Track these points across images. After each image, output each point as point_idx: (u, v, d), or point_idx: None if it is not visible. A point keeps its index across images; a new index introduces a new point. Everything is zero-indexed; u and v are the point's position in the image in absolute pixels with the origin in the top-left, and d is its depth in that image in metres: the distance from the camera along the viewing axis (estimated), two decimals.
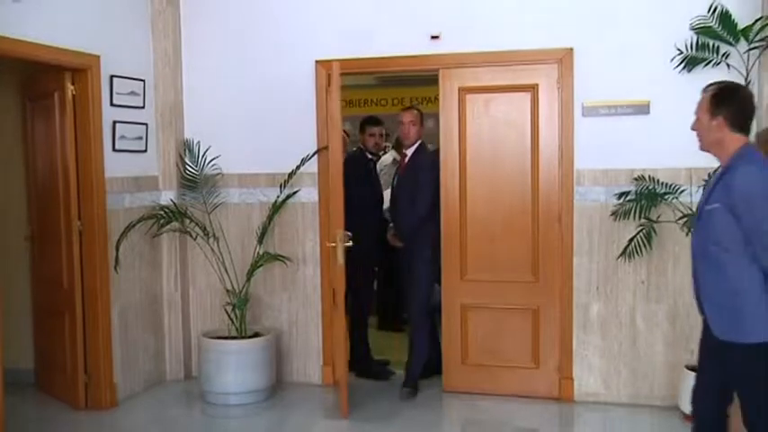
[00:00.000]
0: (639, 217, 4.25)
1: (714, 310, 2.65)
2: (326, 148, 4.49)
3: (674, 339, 4.37)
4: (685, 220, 4.11)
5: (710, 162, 3.98)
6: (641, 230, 4.23)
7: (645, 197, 4.24)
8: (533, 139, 4.55)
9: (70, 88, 4.37)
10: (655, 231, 4.24)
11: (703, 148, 2.74)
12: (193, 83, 5.05)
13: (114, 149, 4.51)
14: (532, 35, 4.47)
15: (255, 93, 4.87)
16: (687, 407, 3.99)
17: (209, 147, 4.84)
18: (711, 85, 2.71)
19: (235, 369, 4.52)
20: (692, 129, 2.72)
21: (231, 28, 4.97)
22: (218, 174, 4.85)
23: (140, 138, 4.71)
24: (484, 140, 4.65)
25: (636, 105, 4.33)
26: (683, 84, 4.15)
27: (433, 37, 4.55)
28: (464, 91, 4.62)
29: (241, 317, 4.60)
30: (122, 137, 4.56)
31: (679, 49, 4.17)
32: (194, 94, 5.07)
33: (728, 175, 2.58)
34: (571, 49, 4.39)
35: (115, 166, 4.49)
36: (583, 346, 4.42)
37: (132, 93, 4.65)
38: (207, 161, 4.81)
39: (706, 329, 2.74)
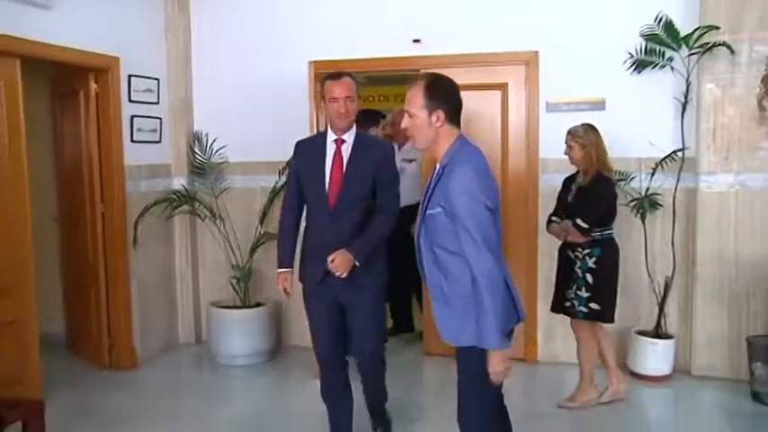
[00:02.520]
0: None
1: (441, 312, 2.54)
2: None
3: (624, 308, 4.63)
4: (635, 203, 4.54)
5: (657, 153, 4.55)
6: None
7: None
8: (503, 131, 4.93)
9: (93, 86, 4.74)
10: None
11: (420, 146, 2.54)
12: (202, 81, 5.43)
13: (132, 140, 4.90)
14: (503, 40, 4.81)
15: (257, 89, 5.22)
16: (635, 366, 4.59)
17: (216, 138, 5.21)
18: (417, 78, 2.50)
19: (239, 334, 4.94)
20: (404, 127, 2.51)
21: (235, 32, 5.33)
22: (223, 162, 5.23)
23: (155, 130, 5.13)
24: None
25: (593, 102, 4.71)
26: (634, 84, 4.61)
27: (415, 41, 4.91)
28: None
29: (245, 288, 5.02)
30: (139, 129, 4.97)
31: (630, 54, 4.56)
32: (202, 91, 5.43)
33: (445, 177, 2.40)
34: (536, 53, 4.77)
35: (133, 155, 4.89)
36: (546, 314, 4.64)
37: (148, 90, 5.04)
38: (214, 151, 5.20)
39: None
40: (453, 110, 2.44)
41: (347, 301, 3.24)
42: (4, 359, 4.01)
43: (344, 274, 3.06)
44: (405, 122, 2.48)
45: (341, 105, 3.19)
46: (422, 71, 4.91)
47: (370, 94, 8.88)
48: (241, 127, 5.29)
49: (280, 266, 3.36)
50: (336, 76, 3.26)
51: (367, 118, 5.45)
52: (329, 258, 3.05)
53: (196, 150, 5.29)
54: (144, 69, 5.01)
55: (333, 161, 3.25)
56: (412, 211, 4.42)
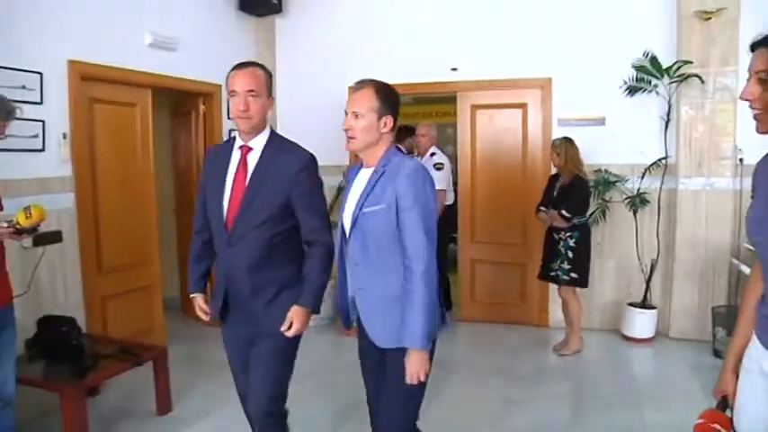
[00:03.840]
0: (597, 198, 5.52)
1: (373, 314, 2.41)
2: None
3: (618, 284, 5.79)
4: (629, 200, 5.50)
5: (645, 160, 5.49)
6: (599, 208, 5.57)
7: (602, 184, 5.52)
8: (524, 141, 5.95)
9: (202, 108, 5.95)
10: (608, 208, 5.60)
11: (356, 147, 2.37)
12: (283, 102, 6.55)
13: None
14: (523, 68, 5.82)
15: (326, 105, 6.14)
16: (626, 330, 5.57)
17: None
18: (365, 82, 2.38)
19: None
20: (346, 127, 2.35)
21: (306, 62, 6.44)
22: None
23: None
24: (488, 142, 6.07)
25: (595, 119, 5.67)
26: (628, 105, 5.56)
27: (453, 69, 5.96)
28: (475, 107, 6.06)
29: None
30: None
31: (624, 81, 5.49)
32: (284, 110, 6.57)
33: (390, 175, 2.29)
34: (550, 79, 5.78)
35: None
36: (555, 289, 5.48)
37: None
38: None
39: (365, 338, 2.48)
40: (395, 119, 2.38)
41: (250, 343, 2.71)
42: (138, 315, 5.16)
43: (300, 329, 2.55)
44: (349, 122, 2.33)
45: (240, 101, 2.47)
46: (458, 93, 6.10)
47: (416, 111, 9.93)
48: (313, 137, 6.12)
49: (190, 292, 2.89)
50: (241, 65, 2.55)
51: (400, 132, 5.92)
52: (283, 327, 2.50)
53: None
54: None
55: (236, 173, 2.57)
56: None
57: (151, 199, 5.34)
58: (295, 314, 2.53)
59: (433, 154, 5.95)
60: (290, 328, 2.52)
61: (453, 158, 6.44)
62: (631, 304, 5.63)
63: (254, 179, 2.55)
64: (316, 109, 6.40)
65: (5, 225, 2.85)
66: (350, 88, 2.53)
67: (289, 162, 2.57)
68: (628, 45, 5.52)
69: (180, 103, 6.29)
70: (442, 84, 6.12)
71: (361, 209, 2.37)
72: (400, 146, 4.69)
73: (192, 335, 5.91)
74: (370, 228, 2.35)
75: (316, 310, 2.62)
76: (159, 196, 5.60)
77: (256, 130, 2.60)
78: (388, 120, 2.37)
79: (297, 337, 2.61)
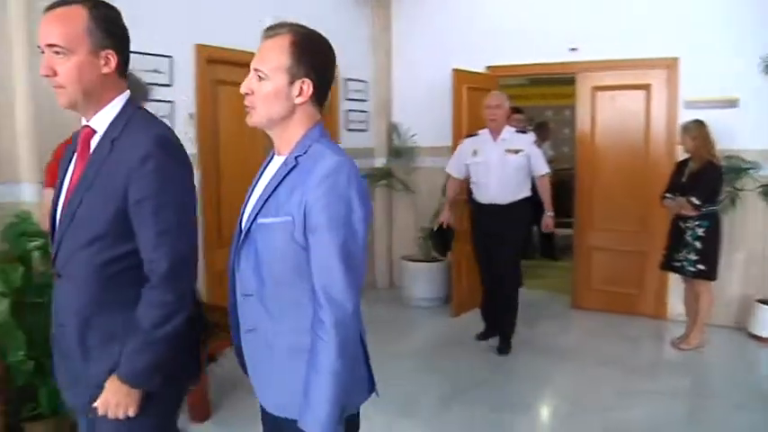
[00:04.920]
0: (727, 186, 5.13)
1: (259, 365, 1.76)
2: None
3: (746, 279, 5.43)
4: (762, 188, 5.17)
5: None
6: (728, 196, 5.21)
7: (732, 171, 5.18)
8: (646, 125, 5.71)
9: None
10: (738, 197, 5.25)
11: (257, 121, 1.66)
12: (400, 83, 6.64)
13: (346, 129, 6.25)
14: (648, 47, 5.54)
15: (441, 89, 6.04)
16: (756, 330, 5.22)
17: (409, 127, 6.44)
18: (279, 26, 1.66)
19: (423, 282, 6.16)
20: (245, 91, 1.65)
21: (425, 43, 6.43)
22: (415, 146, 6.40)
23: (363, 121, 6.47)
24: (609, 126, 5.87)
25: (727, 101, 5.31)
26: (765, 84, 5.17)
27: (572, 49, 5.77)
28: (595, 89, 5.86)
29: (428, 246, 6.12)
30: (351, 121, 6.32)
31: (761, 58, 5.12)
32: (400, 91, 6.64)
33: (302, 172, 1.60)
34: (677, 58, 5.47)
35: (346, 140, 6.14)
36: (675, 279, 5.34)
37: (358, 91, 6.37)
38: (408, 137, 6.45)
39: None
40: (323, 84, 1.68)
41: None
42: None
43: (123, 414, 1.72)
44: (246, 85, 1.65)
45: (42, 62, 1.67)
46: (578, 74, 5.90)
47: (532, 93, 9.72)
48: (428, 118, 6.32)
49: None
50: (53, 4, 1.68)
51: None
52: (96, 403, 1.72)
53: (393, 137, 6.57)
54: (356, 74, 6.31)
55: (73, 168, 1.80)
56: (518, 207, 4.80)
57: None
58: (110, 390, 1.71)
59: (522, 131, 5.17)
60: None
61: (571, 142, 6.24)
62: (761, 301, 5.28)
63: (84, 177, 1.72)
64: (428, 90, 6.40)
65: None
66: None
67: (130, 148, 1.67)
68: (765, 16, 5.15)
69: None
70: (560, 64, 5.95)
71: (256, 217, 1.66)
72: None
73: None
74: (266, 247, 1.64)
75: (145, 384, 1.71)
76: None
77: (89, 106, 1.73)
78: (306, 84, 1.62)
79: (157, 419, 1.79)
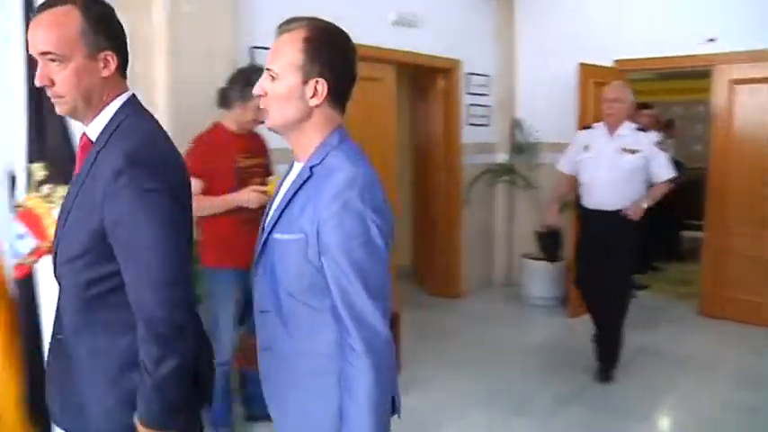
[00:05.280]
0: None
1: (285, 396, 1.62)
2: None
3: None
4: None
5: None
6: None
7: None
8: None
9: (441, 83, 6.08)
10: None
11: (272, 125, 1.56)
12: (524, 76, 6.50)
13: (468, 124, 6.20)
14: None
15: (567, 84, 5.83)
16: None
17: (532, 122, 6.32)
18: (295, 21, 1.56)
19: (541, 281, 6.04)
20: (257, 93, 1.54)
21: (551, 35, 6.25)
22: (537, 143, 6.26)
23: (484, 116, 6.39)
24: (748, 122, 5.46)
25: None
26: None
27: (710, 39, 5.40)
28: (734, 82, 5.45)
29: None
30: (472, 115, 6.26)
31: None
32: (525, 85, 6.51)
33: (316, 186, 1.49)
34: None
35: (468, 135, 6.17)
36: None
37: (480, 85, 6.29)
38: (530, 133, 6.33)
39: None
40: (342, 84, 1.55)
41: None
42: None
43: None
44: (259, 85, 1.54)
45: (38, 70, 1.53)
46: (714, 66, 5.52)
47: (661, 88, 9.20)
48: (552, 113, 6.15)
49: None
50: (40, 7, 1.54)
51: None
52: None
53: (516, 133, 6.46)
54: (478, 69, 6.25)
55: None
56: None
57: (393, 172, 5.56)
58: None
59: (642, 129, 4.40)
60: None
61: (703, 139, 5.89)
62: None
63: (71, 191, 1.62)
64: (552, 85, 6.25)
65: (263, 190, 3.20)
66: None
67: (106, 161, 1.50)
68: None
69: (419, 78, 6.49)
70: (694, 57, 5.59)
71: (272, 230, 1.56)
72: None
73: (423, 304, 6.16)
74: (281, 263, 1.53)
75: (170, 425, 1.53)
76: (398, 168, 5.82)
77: (88, 112, 1.60)
78: (321, 84, 1.50)
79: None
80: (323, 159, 1.51)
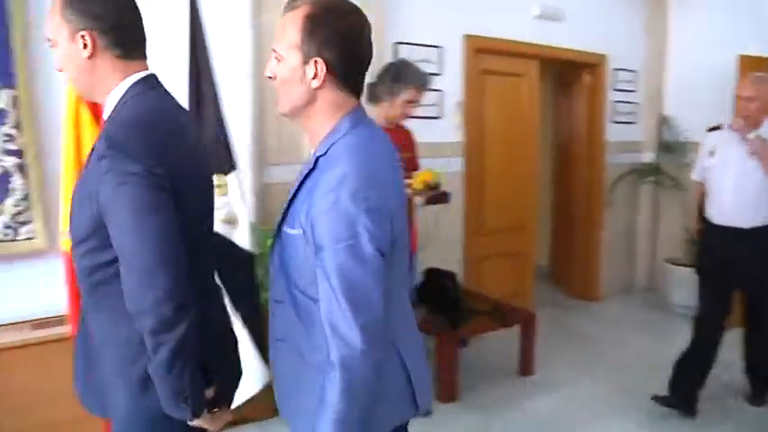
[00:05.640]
0: None
1: (289, 388, 1.57)
2: None
3: None
4: None
5: None
6: None
7: None
8: None
9: (586, 79, 5.93)
10: None
11: (284, 111, 1.48)
12: (676, 71, 6.16)
13: (613, 122, 5.99)
14: None
15: (722, 78, 5.53)
16: None
17: (681, 121, 5.98)
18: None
19: (687, 288, 5.51)
20: (268, 75, 1.47)
21: (704, 27, 5.87)
22: (686, 141, 5.90)
23: (631, 113, 6.14)
24: None
25: None
26: None
27: None
28: None
29: (696, 251, 5.72)
30: (618, 112, 6.04)
31: None
32: (675, 80, 6.17)
33: (316, 179, 1.40)
34: None
35: (613, 133, 5.98)
36: None
37: (628, 81, 6.06)
38: (679, 132, 5.99)
39: None
40: (347, 64, 1.43)
41: None
42: (510, 278, 5.44)
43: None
44: (269, 68, 1.47)
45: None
46: None
47: None
48: (704, 111, 5.57)
49: None
50: None
51: None
52: None
53: (664, 130, 6.15)
54: (626, 64, 6.02)
55: None
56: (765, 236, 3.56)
57: (533, 168, 5.56)
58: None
59: None
60: None
61: None
62: None
63: (84, 170, 1.59)
64: (705, 80, 5.88)
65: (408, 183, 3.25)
66: None
67: (99, 145, 1.48)
68: None
69: (563, 74, 6.35)
70: None
71: (282, 223, 1.50)
72: None
73: (560, 304, 6.06)
74: (290, 256, 1.48)
75: (188, 410, 1.51)
76: (539, 166, 5.78)
77: (97, 94, 1.62)
78: (319, 65, 1.40)
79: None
80: (328, 149, 1.41)
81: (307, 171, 1.43)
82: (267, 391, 2.92)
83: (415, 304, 3.76)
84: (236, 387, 1.84)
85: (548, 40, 5.31)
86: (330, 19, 1.38)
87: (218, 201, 2.18)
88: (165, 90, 1.65)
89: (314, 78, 1.39)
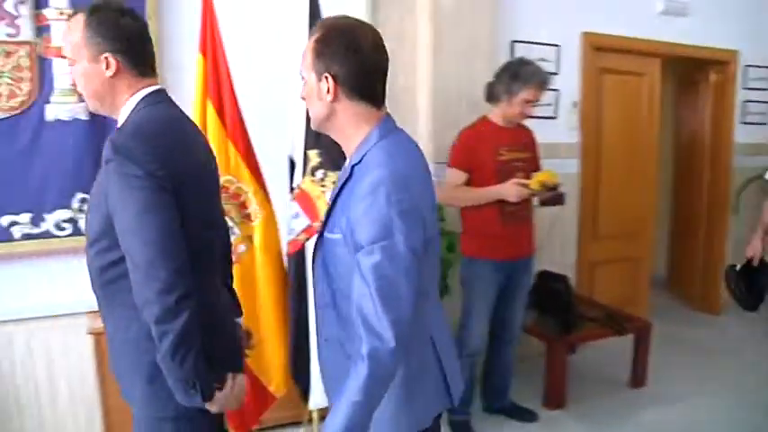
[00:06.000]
0: None
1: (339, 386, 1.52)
2: None
3: None
4: None
5: None
6: None
7: None
8: None
9: (713, 77, 5.62)
10: None
11: (313, 126, 1.63)
12: None
13: (742, 122, 5.63)
14: None
15: None
16: None
17: None
18: (317, 26, 1.60)
19: None
20: (301, 97, 1.62)
21: None
22: None
23: (763, 113, 5.75)
24: None
25: None
26: None
27: None
28: None
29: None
30: (748, 113, 5.68)
31: None
32: None
33: (352, 186, 1.52)
34: None
35: (742, 134, 5.62)
36: None
37: (760, 78, 5.67)
38: None
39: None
40: (355, 76, 1.52)
41: None
42: (624, 285, 5.24)
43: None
44: (301, 90, 1.62)
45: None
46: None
47: None
48: None
49: None
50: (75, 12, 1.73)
51: None
52: None
53: None
54: (759, 59, 5.63)
55: None
56: None
57: (652, 172, 5.35)
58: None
59: None
60: None
61: None
62: None
63: (99, 174, 1.71)
64: None
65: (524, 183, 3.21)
66: None
67: (106, 148, 1.60)
68: None
69: (687, 72, 6.05)
70: None
71: (324, 229, 1.62)
72: None
73: (677, 315, 5.77)
74: (332, 261, 1.59)
75: (197, 395, 1.61)
76: (657, 169, 5.54)
77: (112, 110, 1.75)
78: (329, 80, 1.52)
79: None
80: (362, 158, 1.53)
81: (344, 179, 1.56)
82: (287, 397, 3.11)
83: (525, 307, 3.72)
84: (241, 354, 1.94)
85: (672, 37, 5.07)
86: (335, 38, 1.51)
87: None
88: (173, 102, 1.80)
89: (327, 93, 1.52)
